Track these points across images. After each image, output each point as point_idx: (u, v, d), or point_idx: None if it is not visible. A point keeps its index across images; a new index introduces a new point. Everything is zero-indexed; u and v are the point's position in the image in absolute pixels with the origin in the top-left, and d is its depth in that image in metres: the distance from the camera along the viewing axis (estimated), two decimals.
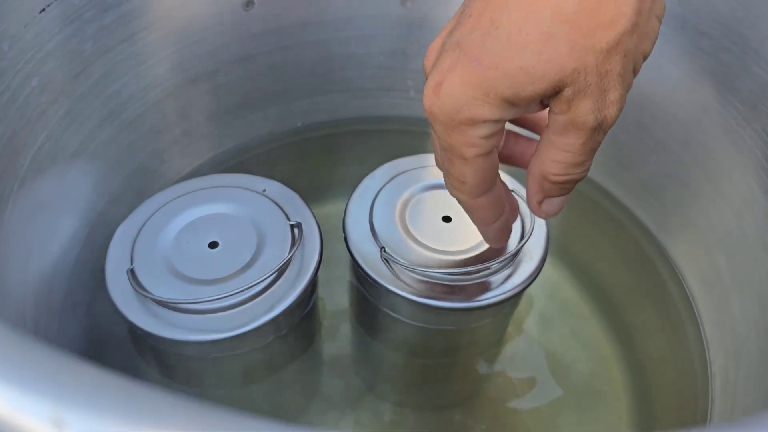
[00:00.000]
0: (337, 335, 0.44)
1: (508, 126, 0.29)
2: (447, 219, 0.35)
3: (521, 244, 0.34)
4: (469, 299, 0.33)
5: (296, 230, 0.35)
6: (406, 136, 0.47)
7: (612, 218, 0.42)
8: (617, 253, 0.43)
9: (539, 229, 0.35)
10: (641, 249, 0.41)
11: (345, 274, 0.39)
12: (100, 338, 0.35)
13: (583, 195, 0.44)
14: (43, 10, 0.29)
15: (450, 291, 0.33)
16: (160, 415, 0.10)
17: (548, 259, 0.44)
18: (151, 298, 0.32)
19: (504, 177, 0.37)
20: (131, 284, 0.33)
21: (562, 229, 0.45)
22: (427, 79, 0.23)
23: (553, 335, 0.44)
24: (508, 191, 0.31)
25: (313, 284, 0.35)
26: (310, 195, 0.38)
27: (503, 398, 0.42)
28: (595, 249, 0.44)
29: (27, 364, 0.10)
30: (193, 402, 0.11)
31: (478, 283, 0.34)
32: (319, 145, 0.46)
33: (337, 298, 0.44)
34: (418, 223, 0.35)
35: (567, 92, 0.21)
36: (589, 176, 0.43)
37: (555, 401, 0.42)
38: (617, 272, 0.43)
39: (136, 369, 0.37)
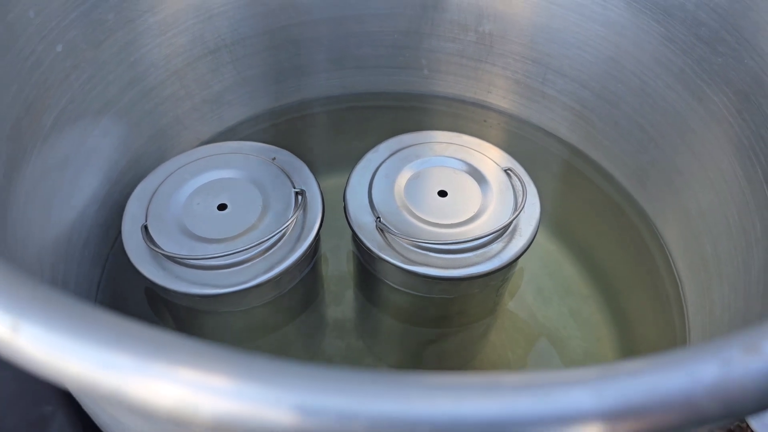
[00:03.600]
0: (342, 300, 0.46)
1: None
2: (443, 193, 0.37)
3: (512, 218, 0.35)
4: (458, 269, 0.35)
5: (299, 197, 0.37)
6: (418, 112, 0.49)
7: (613, 202, 0.43)
8: (616, 235, 0.44)
9: (531, 206, 0.37)
10: (638, 232, 0.42)
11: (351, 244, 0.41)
12: (116, 289, 0.38)
13: (587, 179, 0.45)
14: None
15: (440, 261, 0.35)
16: (115, 332, 0.12)
17: (550, 239, 0.45)
18: (162, 253, 0.35)
19: (502, 155, 0.39)
20: (144, 240, 0.35)
21: (566, 210, 0.46)
22: None
23: (550, 312, 0.46)
24: None
25: (314, 248, 0.37)
26: (321, 166, 0.40)
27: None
28: (595, 230, 0.45)
29: None
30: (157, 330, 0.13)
31: (468, 255, 0.35)
32: (333, 119, 0.48)
33: (343, 265, 0.46)
34: (415, 196, 0.37)
35: None
36: (593, 160, 0.45)
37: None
38: (615, 254, 0.44)
39: (148, 321, 0.40)
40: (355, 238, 0.36)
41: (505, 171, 0.38)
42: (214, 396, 0.11)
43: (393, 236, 0.35)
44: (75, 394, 0.17)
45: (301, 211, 0.37)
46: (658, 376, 0.11)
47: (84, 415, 0.24)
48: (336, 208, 0.38)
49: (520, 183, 0.37)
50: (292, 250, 0.36)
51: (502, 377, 0.11)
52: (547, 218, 0.40)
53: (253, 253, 0.35)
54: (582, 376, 0.11)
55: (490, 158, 0.39)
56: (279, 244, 0.36)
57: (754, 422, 0.55)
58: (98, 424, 0.23)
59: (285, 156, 0.40)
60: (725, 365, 0.11)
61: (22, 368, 0.12)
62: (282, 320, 0.41)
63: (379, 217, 0.36)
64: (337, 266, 0.46)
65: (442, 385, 0.11)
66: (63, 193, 0.33)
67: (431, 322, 0.41)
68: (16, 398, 0.22)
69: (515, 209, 0.36)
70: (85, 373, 0.11)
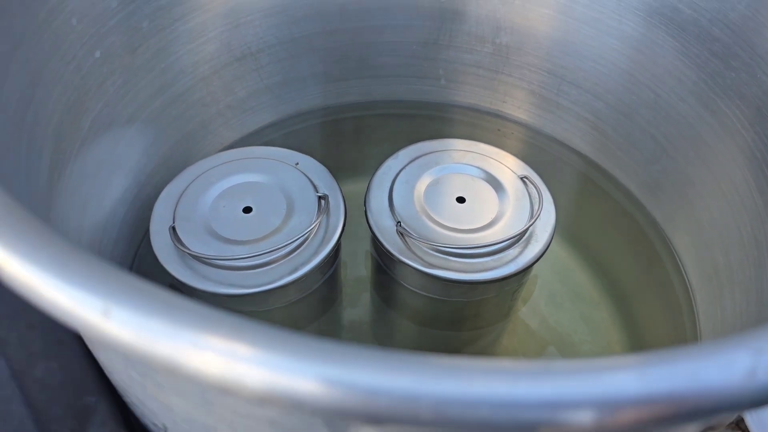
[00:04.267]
0: (358, 302, 0.47)
1: None
2: (461, 200, 0.38)
3: (528, 225, 0.36)
4: (475, 273, 0.36)
5: (323, 201, 0.38)
6: (435, 121, 0.50)
7: (625, 211, 0.44)
8: (628, 244, 0.45)
9: (547, 213, 0.38)
10: (650, 241, 0.43)
11: (368, 249, 0.42)
12: None
13: (600, 188, 0.46)
14: None
15: (458, 265, 0.36)
16: (194, 316, 0.13)
17: (563, 246, 0.46)
18: (188, 253, 0.36)
19: (518, 164, 0.40)
20: (172, 240, 0.36)
21: (578, 218, 0.47)
22: None
23: (562, 317, 0.47)
24: None
25: (335, 251, 0.38)
26: (342, 171, 0.41)
27: None
28: (608, 239, 0.46)
29: (85, 271, 0.13)
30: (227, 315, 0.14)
31: (486, 260, 0.36)
32: (352, 125, 0.49)
33: (360, 268, 0.47)
34: (434, 201, 0.38)
35: None
36: (606, 170, 0.46)
37: None
38: (627, 262, 0.45)
39: None
40: (376, 242, 0.37)
41: (521, 179, 0.39)
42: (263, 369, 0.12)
43: (413, 240, 0.36)
44: (141, 375, 0.18)
45: (324, 215, 0.38)
46: (696, 362, 0.12)
47: (124, 407, 0.25)
48: (354, 214, 0.39)
49: (536, 190, 0.38)
50: (315, 253, 0.37)
51: (553, 363, 0.12)
52: (560, 226, 0.41)
53: (277, 255, 0.36)
54: (626, 362, 0.12)
55: (507, 166, 0.40)
56: (303, 246, 0.37)
57: (751, 422, 0.56)
58: (139, 415, 0.24)
59: (307, 161, 0.41)
60: (757, 353, 0.12)
61: (113, 348, 0.13)
62: (301, 321, 0.42)
63: (399, 222, 0.37)
64: (355, 270, 0.47)
65: (478, 367, 0.12)
66: (96, 194, 0.34)
67: (446, 324, 0.42)
68: (62, 389, 0.23)
69: (531, 216, 0.37)
70: (167, 352, 0.12)
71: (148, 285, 0.13)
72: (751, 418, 0.58)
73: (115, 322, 0.13)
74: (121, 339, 0.13)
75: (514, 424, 0.12)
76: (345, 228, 0.38)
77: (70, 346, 0.24)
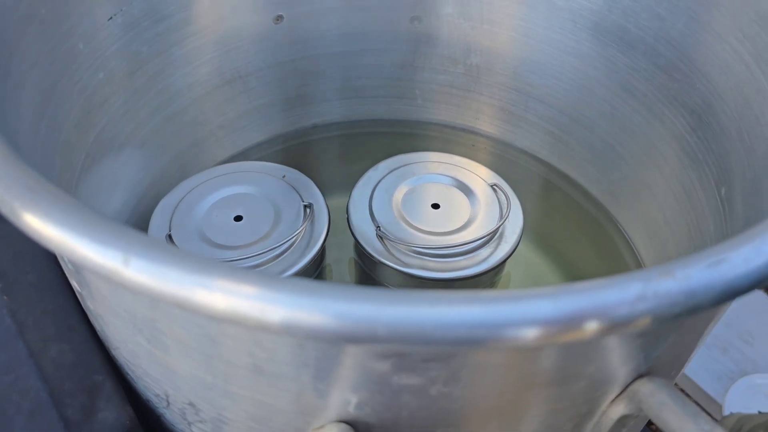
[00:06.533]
0: None
1: None
2: (436, 206, 0.42)
3: (498, 225, 0.40)
4: (450, 272, 0.39)
5: (308, 209, 0.41)
6: (413, 138, 0.53)
7: (589, 215, 0.48)
8: (594, 246, 0.48)
9: (515, 216, 0.41)
10: (613, 242, 0.46)
11: (353, 255, 0.45)
12: None
13: (566, 195, 0.49)
14: (111, 18, 0.36)
15: (435, 265, 0.39)
16: (200, 263, 0.16)
17: (533, 250, 0.49)
18: None
19: (488, 173, 0.43)
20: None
21: (547, 224, 0.50)
22: None
23: None
24: None
25: (320, 255, 0.41)
26: (327, 185, 0.44)
27: None
28: (575, 242, 0.49)
29: (107, 230, 0.17)
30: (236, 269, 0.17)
31: (460, 259, 0.40)
32: (334, 144, 0.52)
33: (344, 276, 0.50)
34: (411, 208, 0.41)
35: None
36: (571, 178, 0.49)
37: None
38: (593, 263, 0.48)
39: None
40: (358, 246, 0.41)
41: (491, 186, 0.43)
42: (278, 305, 0.15)
43: (392, 243, 0.39)
44: (148, 340, 0.21)
45: (309, 222, 0.41)
46: (599, 290, 0.16)
47: (127, 385, 0.28)
48: (337, 225, 0.42)
49: (505, 196, 0.42)
50: (301, 256, 0.40)
51: (483, 292, 0.16)
52: (530, 231, 0.45)
53: (266, 258, 0.39)
54: (543, 292, 0.16)
55: (478, 175, 0.43)
56: (290, 250, 0.40)
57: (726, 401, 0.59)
58: (142, 388, 0.27)
59: (293, 174, 0.44)
60: (646, 283, 0.16)
61: (132, 293, 0.16)
62: None
63: (379, 227, 0.40)
64: (339, 276, 0.50)
65: (443, 298, 0.15)
66: (99, 206, 0.37)
67: None
68: (73, 367, 0.26)
69: (501, 218, 0.41)
70: (179, 293, 0.15)
71: (159, 241, 0.16)
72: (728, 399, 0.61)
73: (133, 269, 0.16)
74: (138, 283, 0.16)
75: (451, 340, 0.15)
76: (329, 235, 0.41)
77: (80, 330, 0.27)
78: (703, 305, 0.16)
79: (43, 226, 0.16)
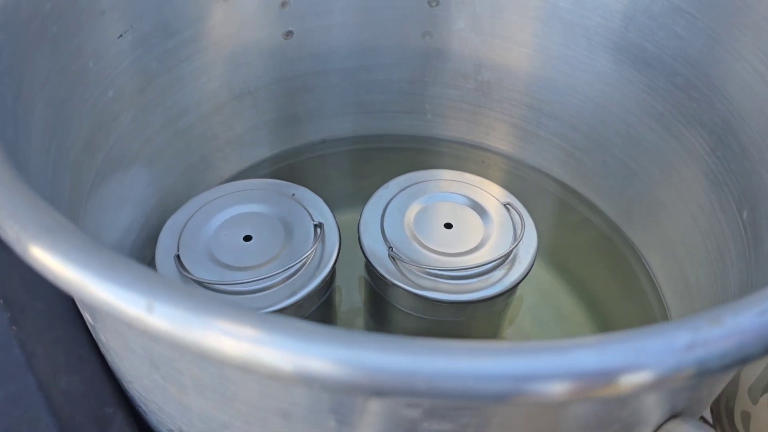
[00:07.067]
0: (353, 326, 0.49)
1: None
2: (448, 225, 0.41)
3: (511, 248, 0.39)
4: (464, 294, 0.38)
5: (318, 229, 0.41)
6: (422, 153, 0.53)
7: (603, 234, 0.47)
8: (607, 265, 0.47)
9: (529, 237, 0.40)
10: (627, 262, 0.45)
11: (363, 274, 0.45)
12: None
13: (579, 213, 0.49)
14: (121, 35, 0.35)
15: (448, 287, 0.38)
16: (227, 310, 0.15)
17: (546, 269, 0.49)
18: (192, 279, 0.38)
19: (501, 192, 0.43)
20: (176, 267, 0.38)
21: (560, 242, 0.49)
22: None
23: (547, 337, 0.49)
24: None
25: (331, 276, 0.41)
26: (336, 202, 0.43)
27: None
28: (588, 261, 0.49)
29: (130, 273, 0.16)
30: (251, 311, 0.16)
31: (473, 281, 0.39)
32: (343, 159, 0.52)
33: (354, 293, 0.49)
34: (423, 227, 0.41)
35: None
36: (584, 196, 0.49)
37: None
38: (607, 283, 0.48)
39: None
40: (369, 267, 0.40)
41: (505, 205, 0.42)
42: (311, 357, 0.14)
43: (404, 264, 0.39)
44: (164, 378, 0.20)
45: (320, 242, 0.40)
46: (644, 340, 0.15)
47: (138, 418, 0.27)
48: (348, 242, 0.41)
49: (519, 216, 0.41)
50: (312, 278, 0.39)
51: (524, 343, 0.15)
52: (543, 250, 0.44)
53: (276, 279, 0.38)
54: (586, 342, 0.15)
55: (491, 194, 0.43)
56: (300, 272, 0.39)
57: None
58: (155, 422, 0.26)
59: (303, 192, 0.43)
60: (696, 332, 0.15)
61: (154, 340, 0.15)
62: None
63: (391, 247, 0.39)
64: (349, 296, 0.49)
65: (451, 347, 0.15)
66: (107, 224, 0.36)
67: None
68: (83, 399, 0.25)
69: (515, 239, 0.40)
70: (205, 342, 0.15)
71: (183, 285, 0.15)
72: None
73: (157, 316, 0.15)
74: (162, 331, 0.15)
75: (492, 394, 0.14)
76: (340, 254, 0.40)
77: (90, 361, 0.26)
78: (755, 356, 0.15)
79: (61, 269, 0.16)
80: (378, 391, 0.14)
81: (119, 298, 0.15)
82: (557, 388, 0.14)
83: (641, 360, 0.14)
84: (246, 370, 0.14)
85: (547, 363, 0.14)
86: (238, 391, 0.19)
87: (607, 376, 0.14)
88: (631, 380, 0.15)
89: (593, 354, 0.14)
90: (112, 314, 0.15)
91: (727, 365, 0.15)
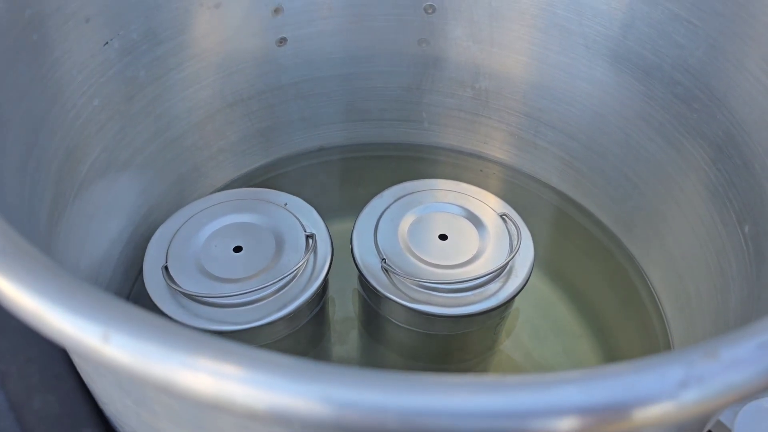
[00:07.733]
0: (346, 339, 0.48)
1: None
2: (443, 237, 0.40)
3: (508, 260, 0.38)
4: (458, 307, 0.37)
5: (310, 240, 0.40)
6: (419, 162, 0.52)
7: (602, 246, 0.46)
8: (606, 277, 0.46)
9: (526, 249, 0.39)
10: (626, 274, 0.44)
11: (355, 286, 0.44)
12: None
13: (577, 224, 0.48)
14: (107, 43, 0.34)
15: (442, 300, 0.38)
16: (189, 341, 0.15)
17: (544, 281, 0.48)
18: (180, 292, 0.37)
19: (498, 202, 0.42)
20: (164, 279, 0.38)
21: (558, 253, 0.48)
22: None
23: (546, 350, 0.48)
24: None
25: (323, 288, 0.40)
26: (329, 211, 0.43)
27: None
28: (586, 273, 0.48)
29: (86, 300, 0.15)
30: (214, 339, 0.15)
31: (468, 294, 0.38)
32: (339, 167, 0.51)
33: (348, 305, 0.48)
34: (418, 239, 0.40)
35: None
36: (582, 206, 0.48)
37: None
38: (605, 295, 0.47)
39: None
40: (362, 279, 0.39)
41: (501, 216, 0.41)
42: (270, 391, 0.13)
43: (398, 277, 0.38)
44: (136, 403, 0.19)
45: (312, 253, 0.39)
46: (633, 376, 0.14)
47: None
48: (341, 253, 0.40)
49: (515, 227, 0.40)
50: (303, 290, 0.38)
51: (506, 378, 0.14)
52: (540, 261, 0.43)
53: (266, 292, 0.37)
54: (571, 377, 0.14)
55: (487, 204, 0.42)
56: (291, 283, 0.38)
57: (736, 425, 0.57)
58: None
59: (295, 202, 0.42)
60: (690, 367, 0.14)
61: (111, 371, 0.14)
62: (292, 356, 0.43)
63: (384, 259, 0.38)
64: (343, 308, 0.48)
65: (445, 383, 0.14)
66: (93, 235, 0.35)
67: (433, 358, 0.43)
68: (58, 421, 0.24)
69: (511, 251, 0.39)
70: (164, 374, 0.14)
71: (143, 313, 0.15)
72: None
73: (114, 346, 0.14)
74: (119, 362, 0.14)
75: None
76: (332, 265, 0.39)
77: (67, 379, 0.26)
78: (753, 391, 0.14)
79: (14, 293, 0.15)
80: (346, 428, 0.13)
81: (74, 326, 0.14)
82: (539, 427, 0.13)
83: (629, 398, 0.14)
84: (205, 404, 0.14)
85: (529, 400, 0.13)
86: (208, 421, 0.18)
87: (592, 414, 0.14)
88: (618, 419, 0.14)
89: (577, 391, 0.14)
90: (66, 344, 0.14)
91: (723, 403, 0.14)
